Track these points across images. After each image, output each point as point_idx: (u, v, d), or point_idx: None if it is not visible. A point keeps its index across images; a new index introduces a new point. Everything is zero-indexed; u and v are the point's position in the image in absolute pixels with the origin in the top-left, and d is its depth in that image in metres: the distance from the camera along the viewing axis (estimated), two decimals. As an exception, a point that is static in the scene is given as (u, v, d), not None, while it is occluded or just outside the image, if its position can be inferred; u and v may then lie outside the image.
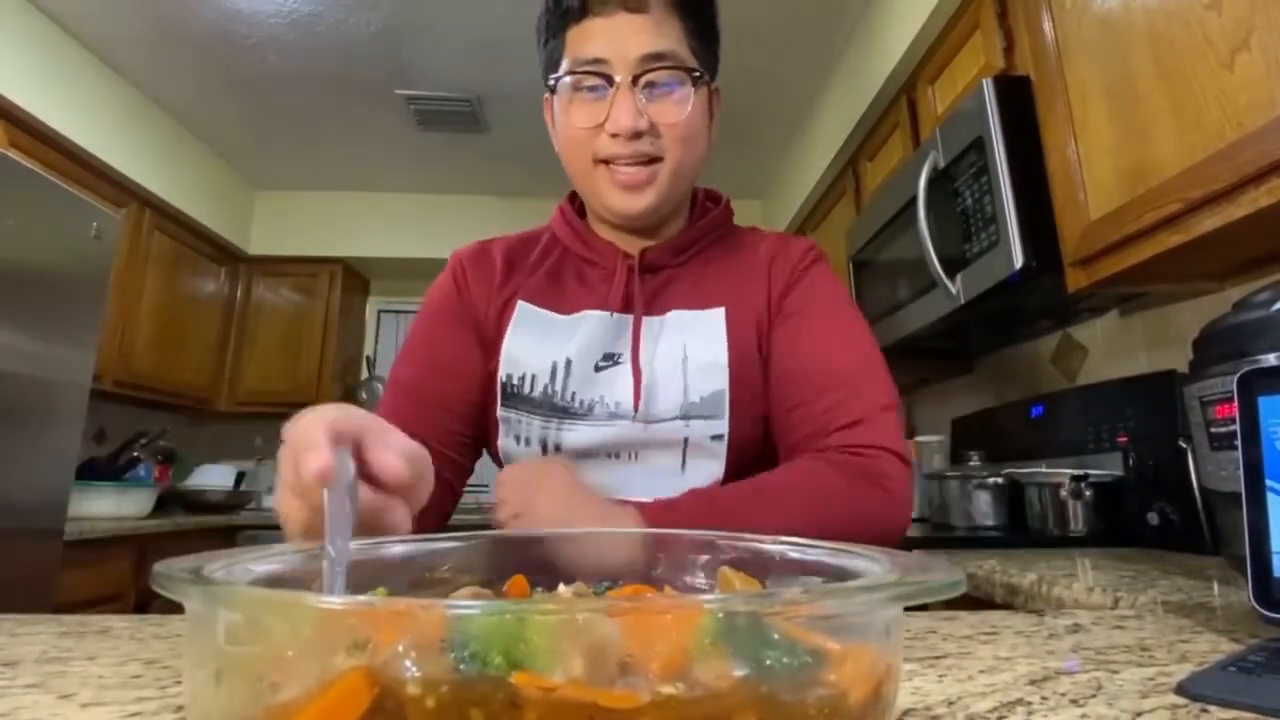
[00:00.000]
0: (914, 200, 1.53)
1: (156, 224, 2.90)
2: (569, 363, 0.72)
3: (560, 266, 0.79)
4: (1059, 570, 0.91)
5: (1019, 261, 1.24)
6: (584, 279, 0.78)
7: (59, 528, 1.84)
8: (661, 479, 0.70)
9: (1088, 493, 1.31)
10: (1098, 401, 1.43)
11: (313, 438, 0.37)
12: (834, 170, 2.52)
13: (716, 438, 0.71)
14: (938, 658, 0.44)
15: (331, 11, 2.35)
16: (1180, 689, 0.36)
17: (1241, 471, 0.50)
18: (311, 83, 2.73)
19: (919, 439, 1.97)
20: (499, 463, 0.77)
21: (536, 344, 0.74)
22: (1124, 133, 1.07)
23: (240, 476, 3.11)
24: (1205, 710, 0.34)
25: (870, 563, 0.29)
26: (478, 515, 3.18)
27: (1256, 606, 0.48)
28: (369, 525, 0.39)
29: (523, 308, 0.76)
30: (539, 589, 0.34)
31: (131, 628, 0.52)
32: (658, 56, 0.69)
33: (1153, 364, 1.39)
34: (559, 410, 0.72)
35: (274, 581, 0.29)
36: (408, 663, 0.19)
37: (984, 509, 1.54)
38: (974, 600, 0.96)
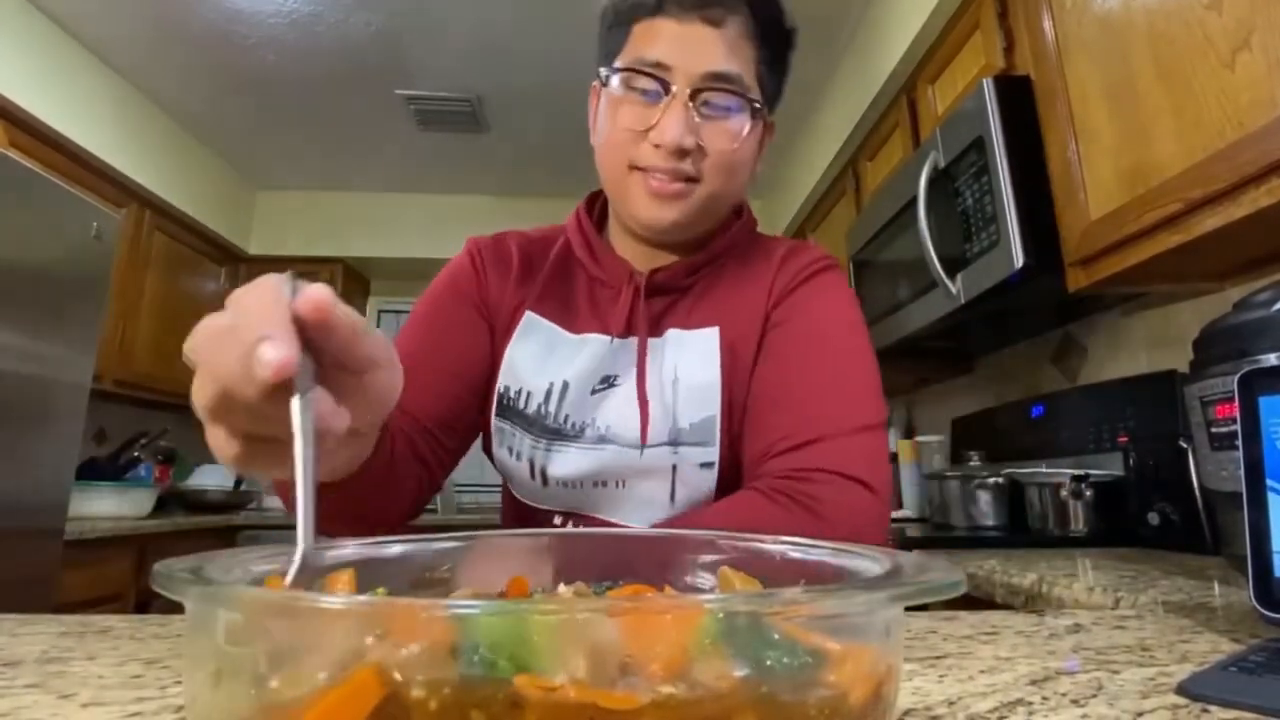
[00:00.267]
0: (914, 200, 1.53)
1: (156, 224, 2.90)
2: (566, 386, 0.69)
3: (572, 279, 0.76)
4: (1059, 570, 0.91)
5: (1019, 261, 1.24)
6: (593, 298, 0.75)
7: (59, 528, 1.84)
8: (651, 509, 0.68)
9: (1088, 493, 1.31)
10: (1098, 401, 1.43)
11: (269, 311, 0.31)
12: (834, 170, 2.52)
13: (706, 465, 0.67)
14: (938, 658, 0.44)
15: (331, 11, 2.35)
16: (1181, 689, 0.36)
17: (1242, 471, 0.50)
18: (311, 83, 2.73)
19: (919, 439, 1.97)
20: (496, 469, 0.75)
21: (539, 361, 0.71)
22: (1124, 132, 1.06)
23: (240, 477, 3.11)
24: (1206, 710, 0.34)
25: (871, 563, 0.29)
26: (478, 515, 3.19)
27: (1257, 606, 0.48)
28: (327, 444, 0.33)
29: (530, 318, 0.73)
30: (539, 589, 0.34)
31: (131, 628, 0.52)
32: (723, 77, 0.65)
33: (1153, 364, 1.39)
34: (550, 431, 0.69)
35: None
36: (411, 663, 0.19)
37: (984, 509, 1.54)
38: (974, 600, 0.96)
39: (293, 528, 0.29)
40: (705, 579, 0.36)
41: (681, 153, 0.65)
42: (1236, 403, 0.51)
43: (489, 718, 0.18)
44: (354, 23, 2.40)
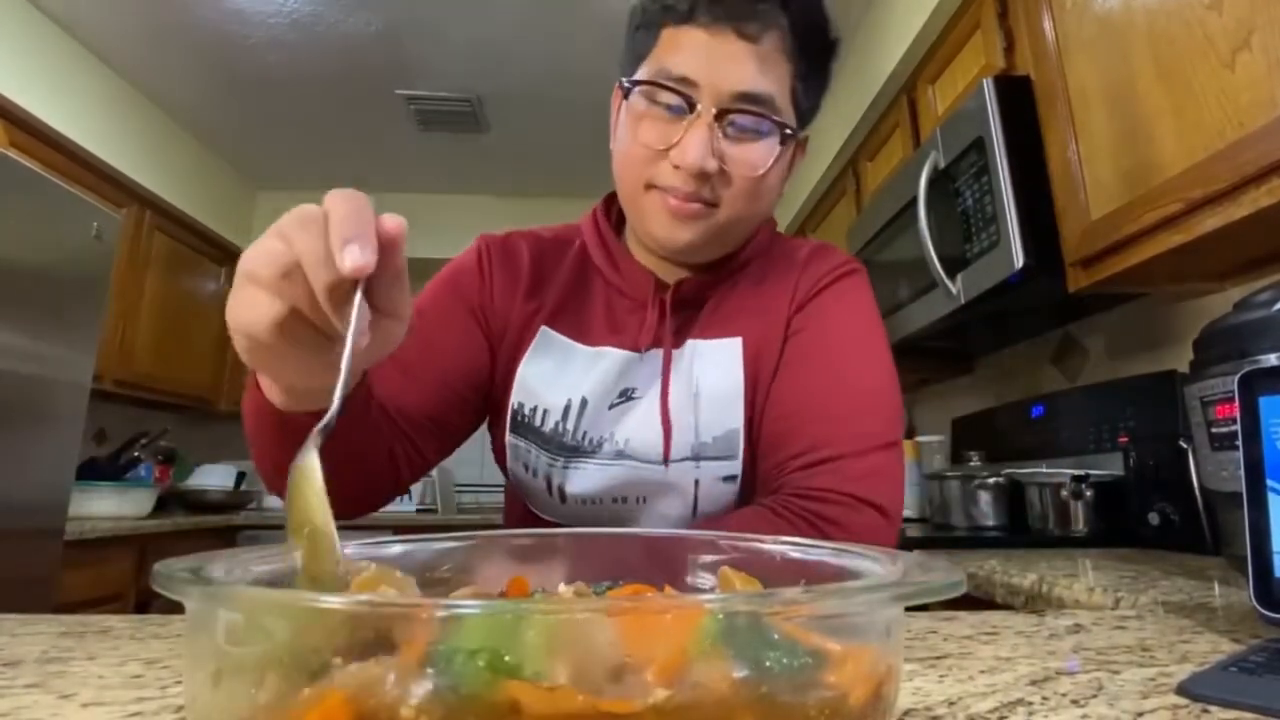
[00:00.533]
0: (914, 200, 1.53)
1: (156, 224, 2.90)
2: (585, 402, 0.67)
3: (589, 288, 0.72)
4: (1059, 570, 0.91)
5: (1019, 261, 1.24)
6: (610, 309, 0.71)
7: (59, 528, 1.84)
8: (672, 525, 0.66)
9: (1088, 493, 1.31)
10: (1098, 401, 1.43)
11: (363, 218, 0.34)
12: (834, 170, 2.52)
13: (729, 479, 0.65)
14: (938, 658, 0.44)
15: (332, 11, 2.35)
16: (1181, 689, 0.36)
17: (1242, 471, 0.50)
18: (312, 82, 2.73)
19: (919, 439, 1.97)
20: (509, 482, 0.73)
21: (553, 377, 0.68)
22: (1124, 132, 1.06)
23: (241, 476, 3.11)
24: (1206, 710, 0.34)
25: (871, 563, 0.29)
26: (478, 516, 3.19)
27: (1257, 606, 0.48)
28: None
29: (544, 333, 0.70)
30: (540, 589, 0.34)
31: (132, 628, 0.52)
32: (752, 98, 0.61)
33: (1153, 364, 1.39)
34: (567, 449, 0.67)
35: (274, 581, 0.29)
36: (393, 675, 0.19)
37: (984, 509, 1.54)
38: (974, 600, 0.95)
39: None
40: (705, 579, 0.36)
41: (702, 176, 0.61)
42: (1237, 403, 0.51)
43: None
44: (354, 23, 2.40)
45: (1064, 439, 1.51)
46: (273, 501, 3.13)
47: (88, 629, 0.52)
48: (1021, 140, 1.29)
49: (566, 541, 0.40)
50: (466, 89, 2.77)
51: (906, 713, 0.34)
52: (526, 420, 0.68)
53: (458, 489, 3.52)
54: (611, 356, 0.68)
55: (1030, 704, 0.35)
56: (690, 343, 0.68)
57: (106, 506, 2.33)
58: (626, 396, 0.67)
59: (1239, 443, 0.51)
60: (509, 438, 0.69)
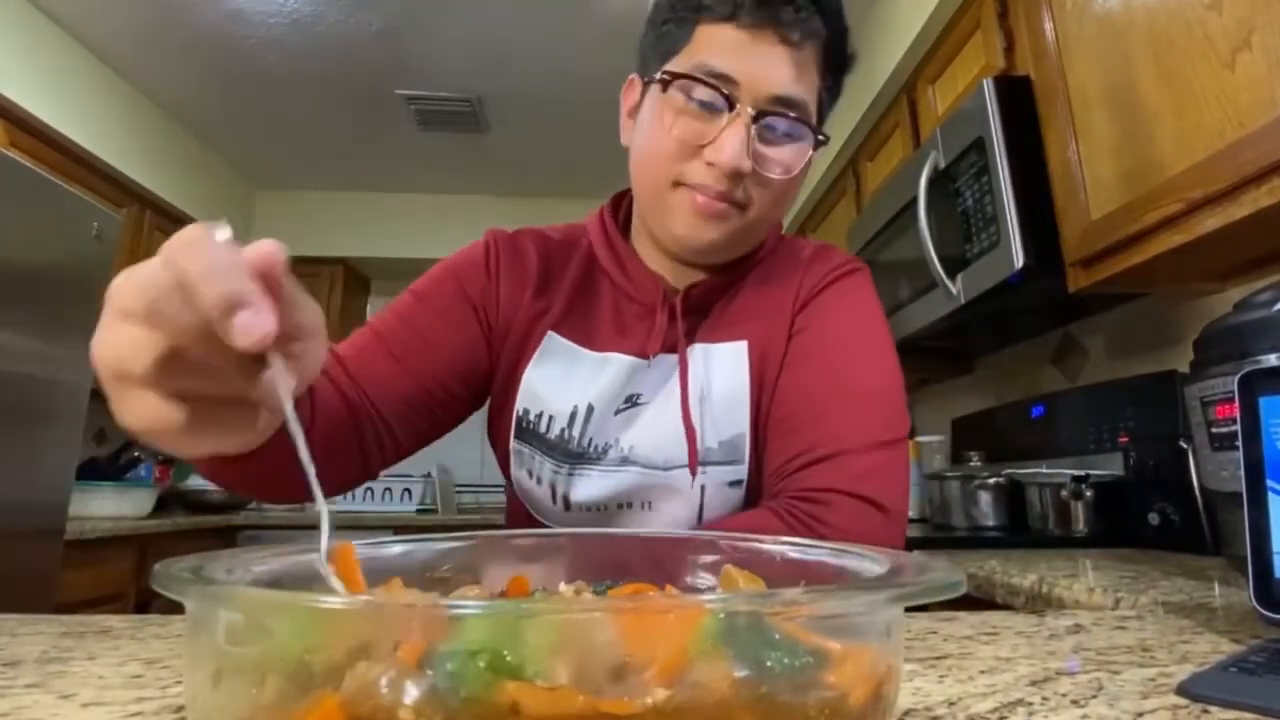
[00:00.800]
0: (914, 200, 1.53)
1: (156, 224, 2.90)
2: (591, 409, 0.66)
3: (596, 291, 0.72)
4: (1060, 571, 0.91)
5: (1019, 261, 1.24)
6: (618, 313, 0.70)
7: (59, 528, 1.84)
8: (678, 530, 0.66)
9: (1088, 493, 1.31)
10: (1098, 401, 1.43)
11: (231, 274, 0.28)
12: (834, 170, 2.52)
13: (734, 484, 0.65)
14: (938, 658, 0.44)
15: (332, 11, 2.35)
16: (1181, 689, 0.36)
17: (1242, 471, 0.50)
18: (312, 83, 2.73)
19: (919, 439, 1.97)
20: (512, 488, 0.73)
21: (560, 383, 0.68)
22: (1125, 132, 1.06)
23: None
24: (1206, 711, 0.34)
25: (871, 563, 0.29)
26: (478, 516, 3.19)
27: (1257, 607, 0.48)
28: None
29: (551, 338, 0.69)
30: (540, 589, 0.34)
31: (132, 628, 0.52)
32: (791, 103, 0.61)
33: (1153, 364, 1.39)
34: (572, 456, 0.66)
35: (274, 581, 0.29)
36: (386, 677, 0.19)
37: (984, 509, 1.54)
38: (974, 601, 0.95)
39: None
40: (706, 579, 0.36)
41: (735, 176, 0.60)
42: (1237, 403, 0.51)
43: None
44: (354, 23, 2.40)
45: (1064, 439, 1.51)
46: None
47: (88, 629, 0.52)
48: (1021, 140, 1.29)
49: (567, 541, 0.40)
50: (466, 89, 2.77)
51: (906, 713, 0.34)
52: (532, 426, 0.68)
53: (458, 489, 3.52)
54: (618, 362, 0.67)
55: (1030, 704, 0.35)
56: (698, 346, 0.68)
57: (106, 506, 2.33)
58: (632, 402, 0.67)
59: (1239, 443, 0.51)
60: (513, 444, 0.69)
